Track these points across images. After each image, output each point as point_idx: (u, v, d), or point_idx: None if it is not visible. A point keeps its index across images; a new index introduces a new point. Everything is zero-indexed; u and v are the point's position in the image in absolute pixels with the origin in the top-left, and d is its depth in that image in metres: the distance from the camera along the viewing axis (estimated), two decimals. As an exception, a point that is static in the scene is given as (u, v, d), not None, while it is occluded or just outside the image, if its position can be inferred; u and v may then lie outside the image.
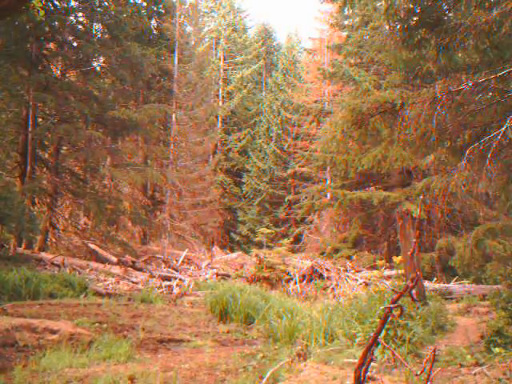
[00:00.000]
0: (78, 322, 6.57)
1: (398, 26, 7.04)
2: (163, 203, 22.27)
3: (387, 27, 7.42)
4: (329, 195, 21.06)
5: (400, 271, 11.28)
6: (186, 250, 18.24)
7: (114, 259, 14.14)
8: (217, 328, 7.54)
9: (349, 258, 17.35)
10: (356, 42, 19.25)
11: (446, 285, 12.45)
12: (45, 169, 16.03)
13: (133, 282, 12.46)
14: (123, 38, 16.17)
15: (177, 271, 15.18)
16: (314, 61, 30.32)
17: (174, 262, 16.51)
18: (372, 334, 3.04)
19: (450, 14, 7.01)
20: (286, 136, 31.96)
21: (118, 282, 12.10)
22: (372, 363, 4.19)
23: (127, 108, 17.70)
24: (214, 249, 24.15)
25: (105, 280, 12.08)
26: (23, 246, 13.72)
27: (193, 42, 27.97)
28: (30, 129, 14.58)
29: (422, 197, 7.34)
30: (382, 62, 16.80)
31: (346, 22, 21.95)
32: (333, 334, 6.03)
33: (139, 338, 6.29)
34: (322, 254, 19.53)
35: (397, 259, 11.18)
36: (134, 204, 20.43)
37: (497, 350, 5.10)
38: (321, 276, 13.29)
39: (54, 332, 5.75)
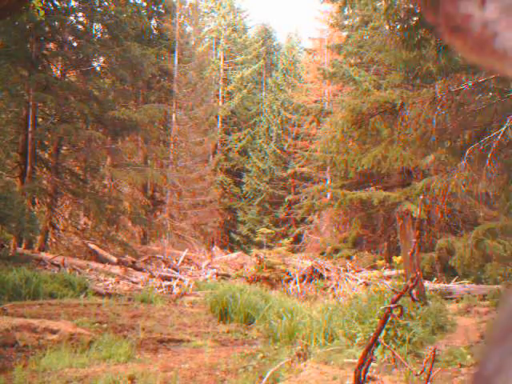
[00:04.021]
0: (78, 322, 6.56)
1: (398, 26, 7.05)
2: (163, 203, 22.27)
3: (387, 27, 7.43)
4: (329, 195, 21.06)
5: (400, 271, 11.29)
6: (186, 250, 18.23)
7: (114, 259, 14.13)
8: (217, 328, 7.53)
9: (349, 258, 17.35)
10: (356, 42, 19.26)
11: (446, 285, 12.44)
12: (45, 169, 16.02)
13: (133, 282, 12.46)
14: (123, 38, 16.17)
15: (177, 271, 15.17)
16: (314, 61, 30.32)
17: (174, 261, 16.51)
18: (372, 334, 3.04)
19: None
20: (286, 136, 31.96)
21: (118, 282, 12.10)
22: (372, 363, 4.18)
23: (127, 108, 17.70)
24: (213, 249, 24.14)
25: (105, 280, 12.07)
26: (23, 246, 13.71)
27: (193, 42, 27.97)
28: (30, 129, 14.58)
29: (422, 197, 7.34)
30: (382, 62, 16.81)
31: (346, 22, 21.97)
32: (333, 334, 6.03)
33: (139, 337, 6.29)
34: (322, 254, 19.53)
35: (397, 259, 11.19)
36: (133, 204, 20.42)
37: (497, 350, 5.09)
38: (321, 276, 13.28)
39: (54, 332, 5.75)
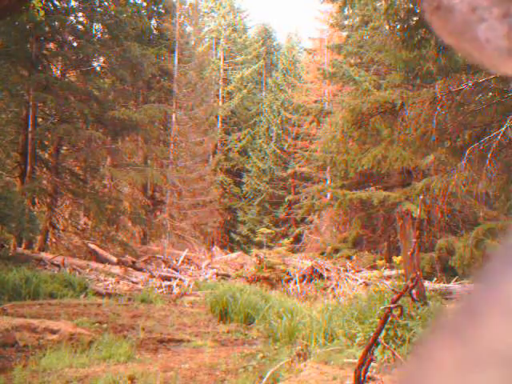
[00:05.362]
0: (78, 322, 6.57)
1: (398, 26, 7.05)
2: (163, 203, 22.27)
3: (387, 27, 7.43)
4: (329, 195, 21.05)
5: (400, 271, 11.29)
6: (186, 250, 18.23)
7: (114, 259, 14.13)
8: (217, 328, 7.53)
9: (349, 258, 17.34)
10: (356, 42, 19.27)
11: (446, 285, 12.43)
12: (45, 169, 16.02)
13: (133, 282, 12.46)
14: (123, 38, 16.17)
15: (177, 271, 15.17)
16: (314, 61, 30.33)
17: (174, 261, 16.51)
18: (372, 334, 3.04)
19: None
20: (286, 136, 31.96)
21: (118, 282, 12.10)
22: (372, 363, 4.18)
23: (127, 108, 17.70)
24: (213, 249, 24.14)
25: (105, 280, 12.07)
26: (23, 246, 13.71)
27: (193, 42, 27.98)
28: (30, 129, 14.58)
29: (421, 197, 7.34)
30: (382, 62, 16.81)
31: (346, 22, 21.97)
32: (333, 334, 6.03)
33: (139, 337, 6.29)
34: (322, 254, 19.53)
35: (397, 259, 11.18)
36: (133, 204, 20.43)
37: (497, 349, 5.09)
38: (321, 276, 13.28)
39: (54, 332, 5.75)
